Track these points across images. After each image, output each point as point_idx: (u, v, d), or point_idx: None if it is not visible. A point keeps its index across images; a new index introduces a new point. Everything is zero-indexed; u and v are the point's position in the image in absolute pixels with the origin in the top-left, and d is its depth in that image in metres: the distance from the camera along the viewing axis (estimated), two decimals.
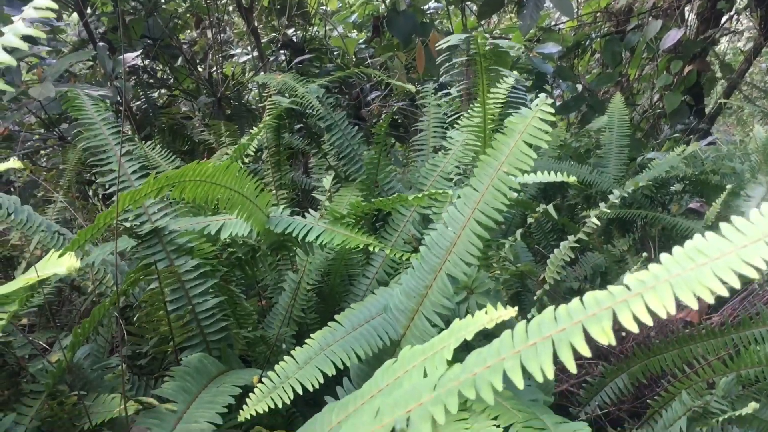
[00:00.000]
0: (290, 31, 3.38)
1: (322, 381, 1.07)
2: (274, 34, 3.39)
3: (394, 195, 1.34)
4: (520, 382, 0.54)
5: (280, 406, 1.05)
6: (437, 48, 1.80)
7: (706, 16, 4.16)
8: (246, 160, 1.90)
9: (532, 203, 2.04)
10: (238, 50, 3.62)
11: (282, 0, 3.23)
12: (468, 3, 3.38)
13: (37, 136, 2.55)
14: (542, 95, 1.06)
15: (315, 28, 3.49)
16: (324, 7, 3.61)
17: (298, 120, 2.67)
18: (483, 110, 1.43)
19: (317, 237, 1.29)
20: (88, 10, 2.65)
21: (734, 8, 4.28)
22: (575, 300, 0.57)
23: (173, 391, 1.16)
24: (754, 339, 1.56)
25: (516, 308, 0.70)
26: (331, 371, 1.07)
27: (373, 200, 1.35)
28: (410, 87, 2.30)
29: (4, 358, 1.30)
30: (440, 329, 1.12)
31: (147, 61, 3.23)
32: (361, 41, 3.41)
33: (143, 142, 2.16)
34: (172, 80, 3.39)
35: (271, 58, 3.23)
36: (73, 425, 1.20)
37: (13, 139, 2.41)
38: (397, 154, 2.72)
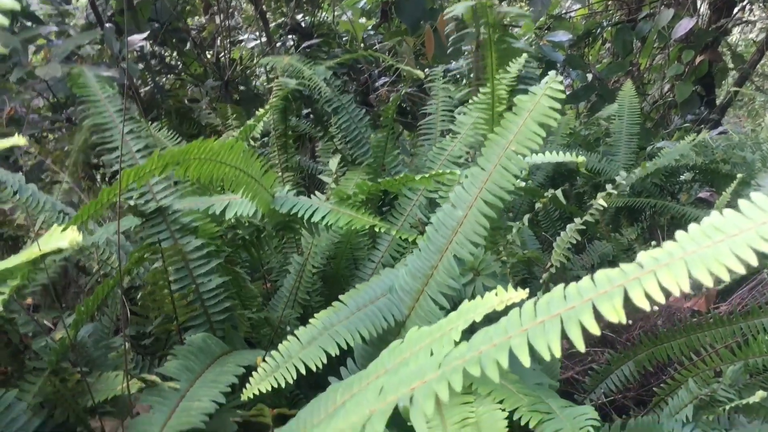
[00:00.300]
0: (299, 16, 3.36)
1: (325, 361, 1.06)
2: (282, 19, 3.37)
3: (401, 175, 1.33)
4: (526, 360, 0.53)
5: (283, 385, 1.04)
6: (445, 20, 1.77)
7: (719, 6, 4.12)
8: (252, 143, 1.89)
9: (540, 191, 2.02)
10: (247, 35, 3.61)
11: None
12: None
13: (40, 117, 2.55)
14: (552, 72, 1.04)
15: (323, 14, 3.47)
16: None
17: (306, 104, 2.65)
18: (491, 87, 1.41)
19: (323, 217, 1.28)
20: None
21: None
22: (586, 278, 0.56)
23: (176, 370, 1.16)
24: (763, 328, 1.54)
25: (527, 290, 0.68)
26: (334, 351, 1.06)
27: (379, 180, 1.34)
28: (419, 73, 2.28)
29: (8, 335, 1.30)
30: (446, 310, 1.11)
31: (156, 47, 3.22)
32: (369, 27, 3.39)
33: (150, 123, 2.15)
34: (180, 65, 3.39)
35: (279, 44, 3.22)
36: (75, 402, 1.20)
37: (19, 121, 2.41)
38: (404, 143, 2.71)
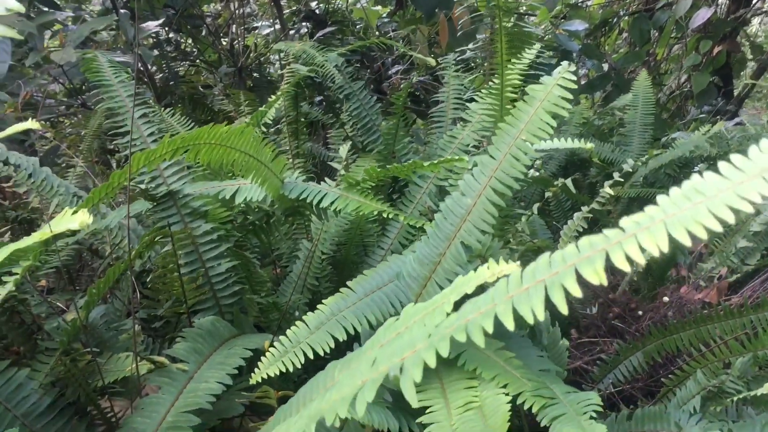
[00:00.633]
0: (313, 4, 3.36)
1: (333, 346, 1.07)
2: (296, 6, 3.36)
3: (410, 162, 1.33)
4: (510, 324, 0.54)
5: (291, 370, 1.05)
6: (462, 22, 1.77)
7: None
8: (264, 129, 1.90)
9: (551, 180, 2.02)
10: (261, 22, 3.61)
11: None
12: None
13: (56, 102, 2.57)
14: (565, 62, 1.03)
15: (338, 1, 3.47)
16: None
17: (318, 92, 2.66)
18: (501, 75, 1.41)
19: (331, 203, 1.29)
20: None
21: None
22: (570, 245, 0.57)
23: (185, 352, 1.18)
24: None
25: (518, 263, 0.69)
26: (342, 336, 1.07)
27: (387, 167, 1.35)
28: (431, 60, 2.27)
29: (21, 316, 1.32)
30: None
31: (171, 34, 3.23)
32: (384, 15, 3.38)
33: (163, 109, 2.16)
34: (195, 52, 3.40)
35: (293, 31, 3.22)
36: (86, 382, 1.22)
37: (36, 106, 2.43)
38: (418, 131, 2.70)
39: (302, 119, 2.30)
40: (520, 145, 1.04)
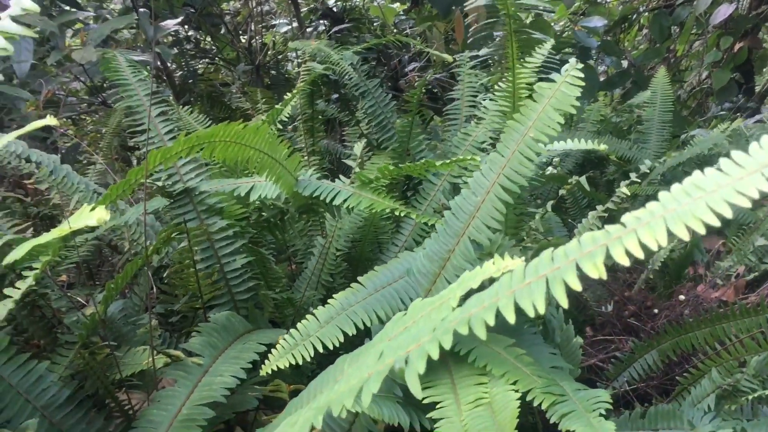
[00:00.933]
0: (330, 2, 3.38)
1: (342, 340, 1.08)
2: (314, 4, 3.38)
3: (422, 160, 1.34)
4: (511, 317, 0.55)
5: (300, 362, 1.07)
6: (468, 16, 1.77)
7: None
8: (280, 127, 1.92)
9: (566, 177, 2.01)
10: (279, 20, 3.64)
11: None
12: None
13: (78, 100, 2.61)
14: (572, 60, 1.04)
15: None
16: None
17: (334, 90, 2.67)
18: (513, 74, 1.41)
19: (344, 200, 1.30)
20: None
21: None
22: (573, 240, 0.58)
23: (200, 346, 1.20)
24: None
25: (522, 258, 0.70)
26: (352, 331, 1.09)
27: (400, 165, 1.36)
28: (448, 57, 2.28)
29: (42, 310, 1.35)
30: None
31: (191, 32, 3.27)
32: (400, 12, 3.39)
33: (181, 107, 2.19)
34: (214, 50, 3.43)
35: (310, 29, 3.24)
36: (105, 375, 1.25)
37: (57, 104, 2.47)
38: (436, 128, 2.71)
39: (318, 117, 2.31)
40: (529, 142, 1.05)
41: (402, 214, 1.28)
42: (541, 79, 1.50)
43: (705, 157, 2.53)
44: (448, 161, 1.29)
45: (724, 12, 3.36)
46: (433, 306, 0.77)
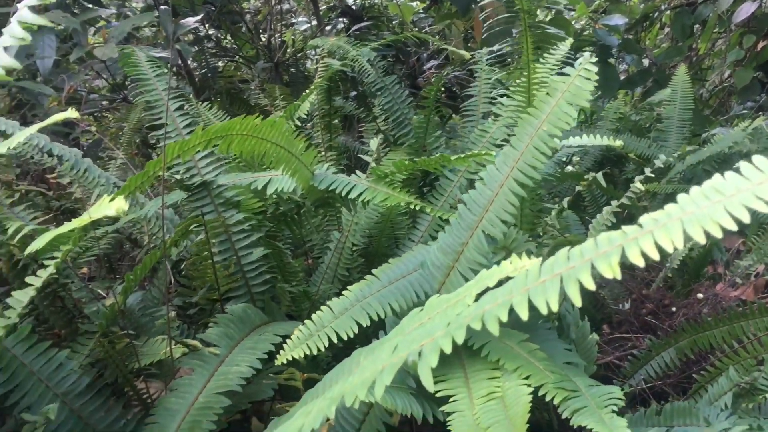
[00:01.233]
0: (349, 0, 3.39)
1: (357, 331, 1.09)
2: (333, 2, 3.40)
3: (437, 155, 1.35)
4: (524, 314, 0.55)
5: (315, 353, 1.08)
6: (484, 14, 1.77)
7: None
8: (298, 123, 1.93)
9: (582, 174, 2.01)
10: (299, 18, 3.66)
11: None
12: None
13: (99, 97, 2.65)
14: (586, 53, 1.04)
15: None
16: None
17: (352, 86, 2.69)
18: (528, 71, 1.41)
19: (360, 194, 1.31)
20: None
21: None
22: (589, 240, 0.58)
23: (217, 337, 1.22)
24: None
25: (540, 259, 0.70)
26: (365, 322, 1.10)
27: (415, 160, 1.36)
28: (466, 54, 2.28)
29: (63, 300, 1.38)
30: None
31: (212, 31, 3.30)
32: (419, 10, 3.39)
33: (201, 103, 2.22)
34: (234, 48, 3.46)
35: (329, 27, 3.25)
36: (124, 365, 1.27)
37: (79, 101, 2.51)
38: (455, 126, 2.72)
39: (335, 113, 2.33)
40: (543, 136, 1.05)
41: (417, 208, 1.29)
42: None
43: (725, 156, 2.51)
44: (462, 155, 1.29)
45: (747, 10, 3.32)
46: (450, 303, 0.78)
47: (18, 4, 0.87)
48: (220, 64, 3.41)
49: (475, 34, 2.74)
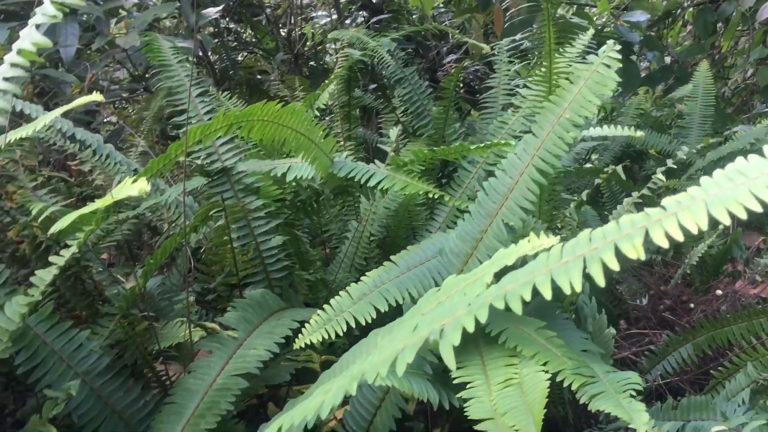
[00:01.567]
0: None
1: (375, 316, 1.10)
2: None
3: (457, 144, 1.35)
4: (547, 293, 0.55)
5: (333, 337, 1.09)
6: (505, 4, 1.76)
7: None
8: (317, 114, 1.94)
9: (601, 169, 2.00)
10: (319, 12, 3.67)
11: None
12: None
13: (120, 87, 2.67)
14: (610, 42, 1.03)
15: None
16: None
17: (372, 79, 2.69)
18: (549, 62, 1.41)
19: (379, 182, 1.31)
20: None
21: None
22: (611, 222, 0.58)
23: (235, 320, 1.23)
24: None
25: (558, 237, 0.70)
26: (384, 308, 1.10)
27: (435, 149, 1.37)
28: (486, 47, 2.28)
29: (84, 283, 1.40)
30: None
31: (232, 25, 3.32)
32: (439, 3, 3.38)
33: (221, 93, 2.23)
34: (253, 41, 3.47)
35: (349, 20, 3.26)
36: (143, 347, 1.29)
37: (101, 90, 2.53)
38: (473, 123, 2.71)
39: (354, 104, 2.33)
40: (564, 124, 1.05)
41: (435, 196, 1.29)
42: None
43: (746, 153, 2.48)
44: (482, 145, 1.29)
45: None
46: (467, 282, 0.78)
47: None
48: (239, 58, 3.42)
49: (495, 29, 2.73)
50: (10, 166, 1.53)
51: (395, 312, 1.16)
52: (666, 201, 0.57)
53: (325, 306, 1.13)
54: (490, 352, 1.08)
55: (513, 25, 2.39)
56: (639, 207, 1.35)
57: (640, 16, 3.02)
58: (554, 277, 0.57)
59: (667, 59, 3.45)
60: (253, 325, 1.23)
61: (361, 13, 3.22)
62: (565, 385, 1.01)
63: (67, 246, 1.14)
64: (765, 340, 1.52)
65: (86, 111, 2.31)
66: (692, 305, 1.96)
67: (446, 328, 0.60)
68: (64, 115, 1.19)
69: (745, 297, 1.95)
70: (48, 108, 2.18)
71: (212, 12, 2.33)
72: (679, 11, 4.06)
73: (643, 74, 3.50)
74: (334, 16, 3.34)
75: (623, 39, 2.85)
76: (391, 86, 2.29)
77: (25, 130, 1.11)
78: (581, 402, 1.00)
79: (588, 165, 2.70)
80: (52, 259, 1.12)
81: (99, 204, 1.01)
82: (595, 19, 2.97)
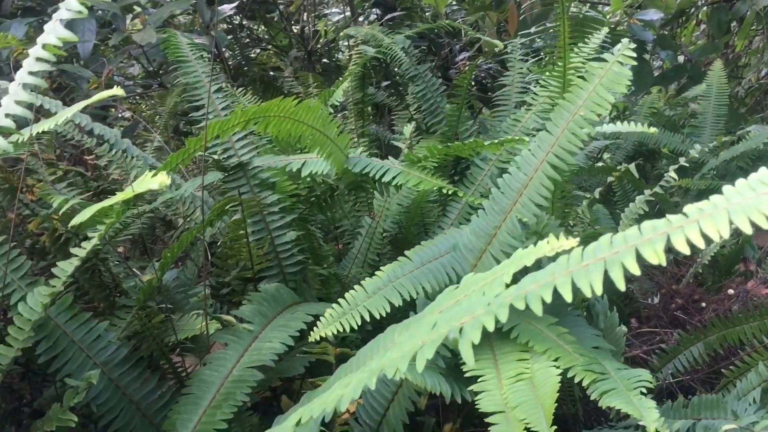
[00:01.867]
0: None
1: (389, 311, 1.11)
2: None
3: (470, 140, 1.36)
4: (568, 296, 0.56)
5: (347, 331, 1.10)
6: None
7: None
8: (331, 110, 1.95)
9: (613, 167, 2.00)
10: (332, 9, 3.68)
11: None
12: None
13: (134, 84, 2.69)
14: (624, 40, 1.04)
15: None
16: None
17: (385, 76, 2.70)
18: (564, 59, 1.42)
19: (393, 178, 1.33)
20: None
21: None
22: (633, 227, 0.59)
23: (250, 313, 1.25)
24: None
25: (578, 239, 0.71)
26: (398, 302, 1.11)
27: (448, 145, 1.38)
28: (498, 44, 2.28)
29: (101, 275, 1.42)
30: None
31: (246, 21, 3.34)
32: (452, 1, 3.39)
33: (235, 89, 2.25)
34: (267, 38, 3.49)
35: (362, 17, 3.27)
36: (160, 339, 1.31)
37: (115, 86, 2.55)
38: (485, 122, 2.72)
39: (368, 101, 2.35)
40: (579, 121, 1.06)
41: (449, 193, 1.30)
42: None
43: (760, 152, 2.48)
44: (496, 141, 1.30)
45: None
46: (486, 281, 0.78)
47: None
48: (252, 55, 3.44)
49: (509, 27, 2.74)
50: (30, 160, 1.55)
51: (408, 306, 1.17)
52: (688, 208, 0.58)
53: (340, 299, 1.14)
54: (502, 347, 1.09)
55: (526, 21, 2.40)
56: (651, 205, 1.35)
57: (654, 15, 3.02)
58: (575, 280, 0.58)
59: (681, 58, 3.44)
60: (268, 319, 1.24)
61: (374, 10, 3.23)
62: (576, 381, 1.02)
63: (87, 238, 1.16)
64: None
65: (101, 106, 2.33)
66: (704, 304, 1.97)
67: (466, 327, 0.61)
68: (82, 110, 1.21)
69: (757, 296, 1.95)
70: (64, 103, 2.20)
71: (227, 9, 2.34)
72: (692, 10, 4.04)
73: (656, 73, 3.49)
74: (347, 13, 3.36)
75: (636, 37, 2.84)
76: (404, 83, 2.30)
77: (46, 124, 1.13)
78: (592, 398, 1.01)
79: (600, 163, 2.70)
80: (73, 250, 1.14)
81: (120, 197, 1.02)
82: (608, 17, 2.97)
